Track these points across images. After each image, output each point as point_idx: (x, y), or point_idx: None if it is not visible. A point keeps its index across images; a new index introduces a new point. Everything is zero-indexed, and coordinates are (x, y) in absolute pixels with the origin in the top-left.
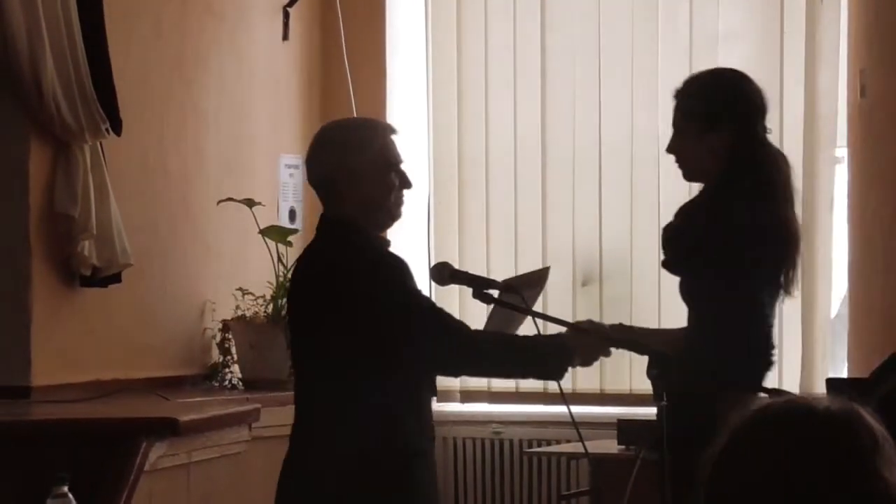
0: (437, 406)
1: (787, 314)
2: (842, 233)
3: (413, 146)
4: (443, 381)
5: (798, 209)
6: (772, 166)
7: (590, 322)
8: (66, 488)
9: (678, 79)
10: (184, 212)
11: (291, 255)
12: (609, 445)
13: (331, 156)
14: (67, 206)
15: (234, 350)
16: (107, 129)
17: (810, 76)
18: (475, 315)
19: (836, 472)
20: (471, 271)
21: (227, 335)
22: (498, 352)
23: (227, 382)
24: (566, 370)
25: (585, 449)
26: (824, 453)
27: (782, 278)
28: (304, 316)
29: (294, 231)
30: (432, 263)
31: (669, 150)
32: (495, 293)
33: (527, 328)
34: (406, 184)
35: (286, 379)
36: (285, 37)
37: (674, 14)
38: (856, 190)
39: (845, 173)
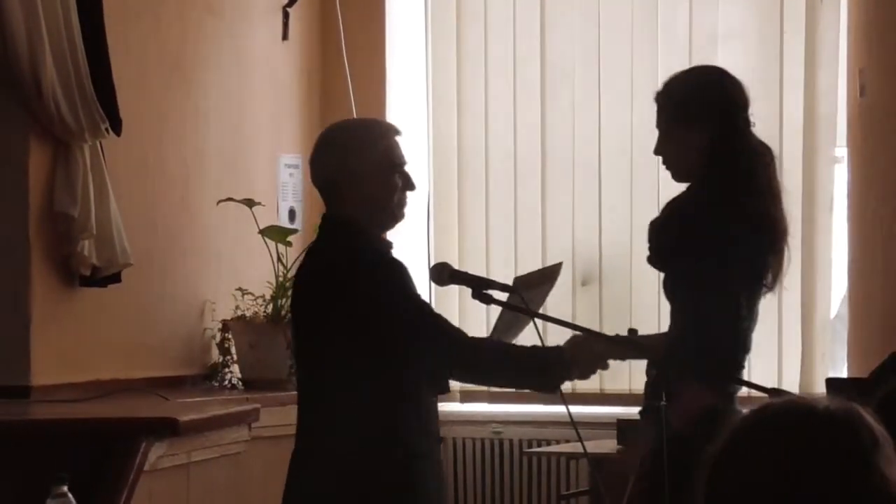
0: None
1: (787, 314)
2: (842, 233)
3: (413, 146)
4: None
5: (798, 209)
6: (753, 161)
7: (586, 334)
8: (65, 488)
9: None
10: (183, 212)
11: (291, 255)
12: (609, 445)
13: (334, 156)
14: (67, 205)
15: (233, 350)
16: (106, 129)
17: (810, 76)
18: (475, 315)
19: (836, 471)
20: (470, 271)
21: (226, 335)
22: (494, 359)
23: (226, 382)
24: (562, 382)
25: (585, 449)
26: (825, 453)
27: (766, 275)
28: (304, 316)
29: (294, 231)
30: (432, 263)
31: (656, 151)
32: (495, 293)
33: (531, 332)
34: (409, 185)
35: (286, 379)
36: (285, 37)
37: (673, 14)
38: (856, 190)
39: (845, 173)
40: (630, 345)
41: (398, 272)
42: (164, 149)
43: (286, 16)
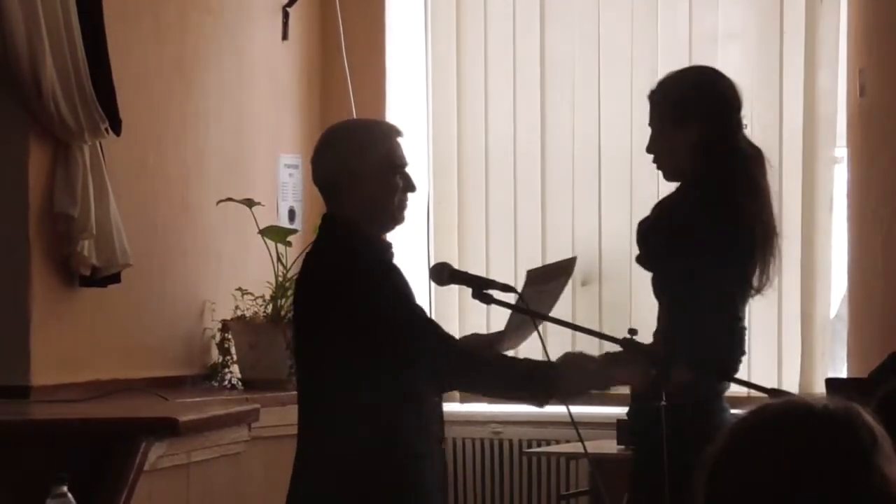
0: None
1: (787, 314)
2: (842, 233)
3: (413, 146)
4: None
5: (798, 209)
6: (744, 162)
7: (580, 354)
8: (65, 488)
9: None
10: (183, 212)
11: (291, 255)
12: (608, 445)
13: (335, 156)
14: (67, 205)
15: (233, 350)
16: (106, 129)
17: (810, 76)
18: (475, 315)
19: (836, 470)
20: (470, 271)
21: (226, 335)
22: (483, 370)
23: (226, 382)
24: (551, 398)
25: (585, 449)
26: (824, 452)
27: (753, 277)
28: (302, 316)
29: (293, 231)
30: (432, 263)
31: (648, 149)
32: (495, 293)
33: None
34: (410, 187)
35: (286, 379)
36: (285, 36)
37: (673, 14)
38: (856, 190)
39: (845, 173)
40: (630, 345)
41: (393, 276)
42: (164, 149)
43: (286, 16)
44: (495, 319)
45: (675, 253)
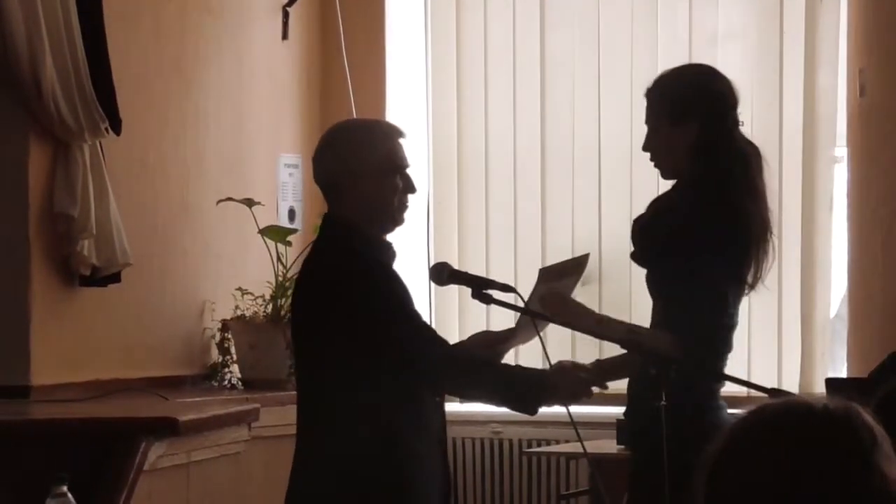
0: None
1: (787, 314)
2: (842, 233)
3: (412, 146)
4: None
5: (798, 209)
6: (739, 161)
7: (572, 362)
8: (65, 488)
9: None
10: (183, 212)
11: (291, 254)
12: (608, 445)
13: (336, 156)
14: (67, 205)
15: (233, 350)
16: (106, 129)
17: (810, 76)
18: (475, 315)
19: (836, 470)
20: (470, 271)
21: (226, 335)
22: (475, 374)
23: (226, 382)
24: (540, 406)
25: (584, 449)
26: (824, 452)
27: (748, 274)
28: (301, 317)
29: (293, 231)
30: (432, 263)
31: (645, 147)
32: (495, 293)
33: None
34: (410, 188)
35: (285, 379)
36: (285, 36)
37: (673, 14)
38: (856, 190)
39: (845, 173)
40: (630, 345)
41: (391, 279)
42: (163, 149)
43: (286, 15)
44: (495, 319)
45: (673, 251)
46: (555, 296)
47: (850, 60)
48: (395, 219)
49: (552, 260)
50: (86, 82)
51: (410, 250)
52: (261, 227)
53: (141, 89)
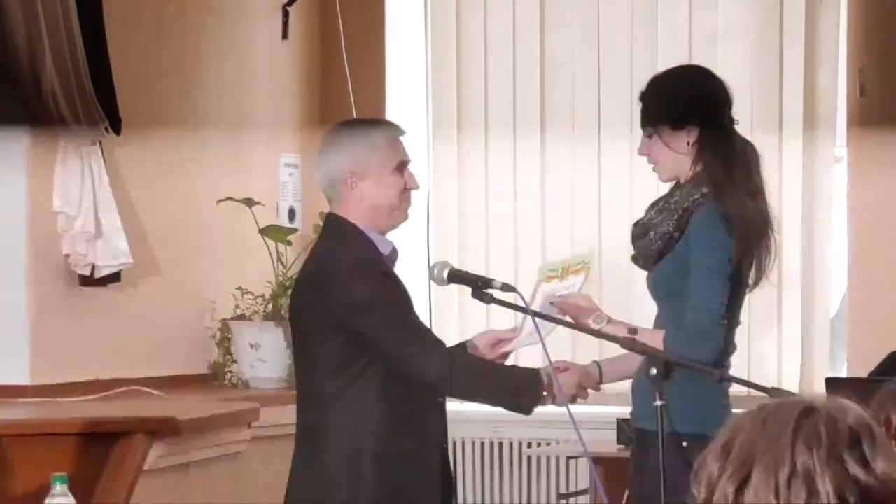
0: None
1: (787, 314)
2: (842, 233)
3: (412, 146)
4: None
5: (798, 209)
6: (738, 159)
7: (569, 363)
8: (65, 487)
9: None
10: (183, 212)
11: (291, 254)
12: (608, 445)
13: (338, 155)
14: (66, 205)
15: (233, 349)
16: (106, 128)
17: (810, 75)
18: (475, 314)
19: (835, 469)
20: (470, 271)
21: (226, 334)
22: (470, 374)
23: (226, 382)
24: (535, 406)
25: (585, 448)
26: (823, 450)
27: (749, 273)
28: (300, 315)
29: (293, 230)
30: (432, 263)
31: (641, 152)
32: (495, 293)
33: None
34: (412, 186)
35: (285, 378)
36: (285, 36)
37: (673, 13)
38: (855, 190)
39: (845, 173)
40: (630, 345)
41: (388, 280)
42: (164, 149)
43: (286, 15)
44: (495, 319)
45: (677, 252)
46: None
47: (850, 60)
48: (397, 216)
49: (552, 259)
50: (86, 82)
51: (410, 250)
52: (261, 226)
53: (141, 89)
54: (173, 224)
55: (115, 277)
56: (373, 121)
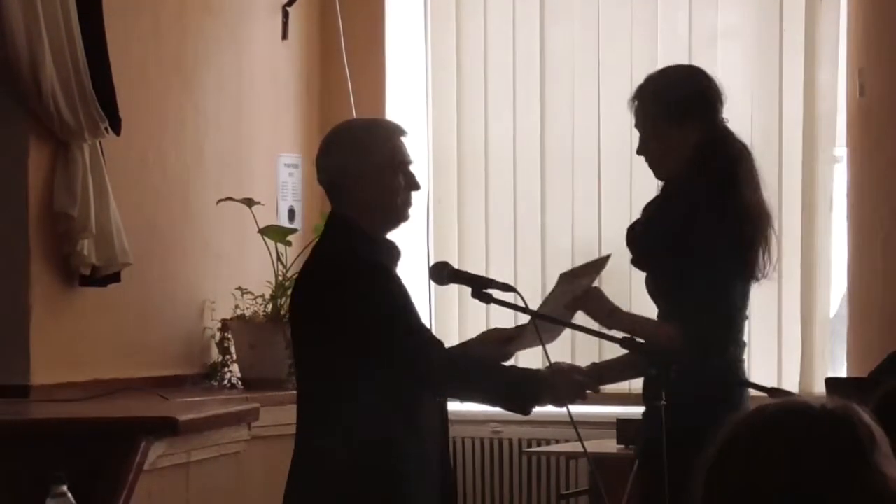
0: None
1: (787, 313)
2: (841, 232)
3: (412, 146)
4: None
5: (797, 209)
6: (735, 155)
7: (568, 364)
8: (65, 487)
9: None
10: (183, 211)
11: (291, 254)
12: (608, 445)
13: (339, 156)
14: (66, 205)
15: (233, 349)
16: (106, 129)
17: (809, 75)
18: (475, 315)
19: (834, 469)
20: (470, 271)
21: (226, 334)
22: (469, 374)
23: (226, 382)
24: (534, 406)
25: (584, 448)
26: (823, 451)
27: (756, 267)
28: (299, 315)
29: (293, 230)
30: (432, 263)
31: (640, 151)
32: (495, 293)
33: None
34: (413, 185)
35: (285, 378)
36: (284, 36)
37: (673, 13)
38: (855, 189)
39: (845, 172)
40: (630, 345)
41: (390, 279)
42: (163, 148)
43: (286, 15)
44: (495, 319)
45: (682, 248)
46: (577, 298)
47: (850, 59)
48: (399, 216)
49: (551, 259)
50: (86, 82)
51: (410, 250)
52: (261, 226)
53: (140, 89)
54: (173, 224)
55: (115, 277)
56: (374, 121)
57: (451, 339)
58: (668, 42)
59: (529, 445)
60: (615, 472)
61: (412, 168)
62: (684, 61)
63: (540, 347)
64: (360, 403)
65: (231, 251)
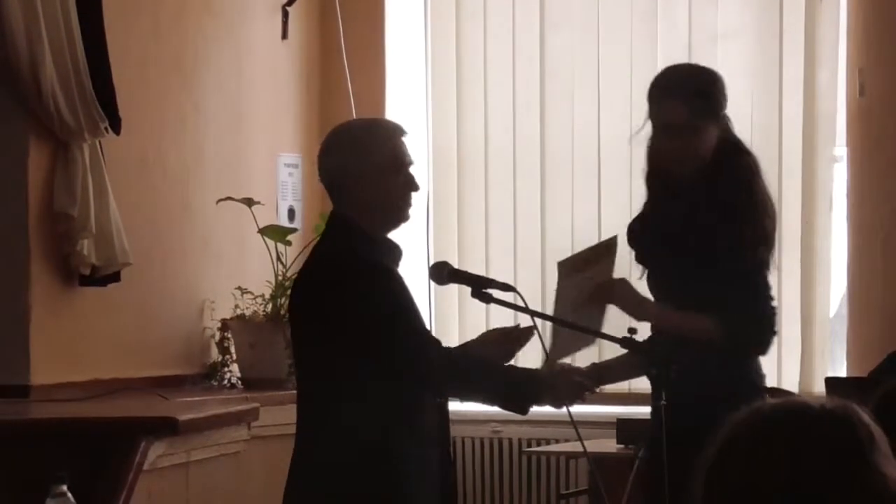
0: None
1: (787, 313)
2: (841, 232)
3: (413, 146)
4: None
5: (797, 208)
6: (753, 154)
7: (567, 364)
8: (64, 487)
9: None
10: (183, 211)
11: (291, 254)
12: (608, 445)
13: (339, 156)
14: (66, 205)
15: (233, 349)
16: (106, 128)
17: (809, 75)
18: (475, 314)
19: (834, 469)
20: (470, 271)
21: (226, 334)
22: (470, 374)
23: (226, 381)
24: (531, 406)
25: (584, 448)
26: (822, 451)
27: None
28: (298, 315)
29: (293, 230)
30: (431, 263)
31: (678, 149)
32: (495, 292)
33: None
34: (413, 186)
35: (285, 378)
36: (284, 36)
37: (673, 13)
38: (855, 189)
39: (844, 172)
40: (629, 345)
41: (390, 279)
42: (163, 148)
43: (286, 15)
44: (495, 319)
45: (722, 246)
46: (602, 287)
47: (850, 60)
48: (399, 216)
49: (551, 259)
50: (86, 82)
51: (410, 250)
52: (260, 226)
53: (140, 88)
54: (173, 224)
55: (114, 277)
56: (374, 121)
57: (451, 339)
58: (668, 42)
59: (529, 445)
60: (615, 472)
61: (412, 169)
62: (684, 61)
63: (540, 347)
64: (360, 403)
65: (231, 251)
